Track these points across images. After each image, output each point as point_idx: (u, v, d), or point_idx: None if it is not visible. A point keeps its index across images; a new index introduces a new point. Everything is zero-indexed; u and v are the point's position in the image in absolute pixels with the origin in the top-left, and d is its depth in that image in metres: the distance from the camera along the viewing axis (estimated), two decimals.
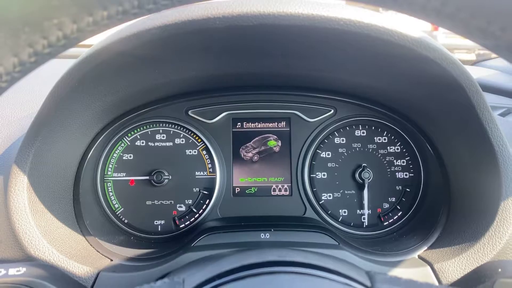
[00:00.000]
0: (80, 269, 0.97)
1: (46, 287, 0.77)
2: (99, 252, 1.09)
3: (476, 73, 1.76)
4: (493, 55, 2.09)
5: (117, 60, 0.89)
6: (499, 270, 0.78)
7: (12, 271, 0.77)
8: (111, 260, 1.07)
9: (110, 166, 1.30)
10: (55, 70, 0.94)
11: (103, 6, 0.42)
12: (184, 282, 0.58)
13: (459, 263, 0.99)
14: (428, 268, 1.02)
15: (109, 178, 1.30)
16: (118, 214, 1.29)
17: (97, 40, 0.88)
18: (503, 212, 0.97)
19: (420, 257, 1.09)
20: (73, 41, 0.46)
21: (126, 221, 1.29)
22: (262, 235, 1.12)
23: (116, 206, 1.29)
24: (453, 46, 2.09)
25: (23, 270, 0.78)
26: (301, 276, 0.55)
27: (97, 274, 0.98)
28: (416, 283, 0.57)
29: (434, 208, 1.25)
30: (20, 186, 0.97)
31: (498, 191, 0.98)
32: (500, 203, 0.98)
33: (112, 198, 1.29)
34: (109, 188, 1.29)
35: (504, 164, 0.97)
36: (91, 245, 1.10)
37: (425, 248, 1.11)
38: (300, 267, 0.57)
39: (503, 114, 1.35)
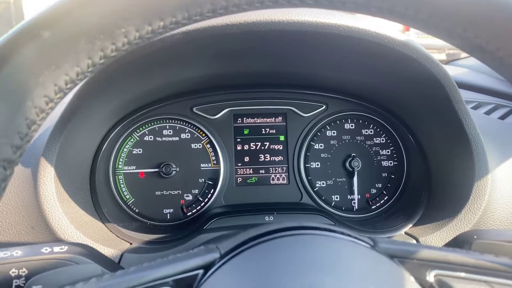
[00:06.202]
0: (105, 251, 1.07)
1: (87, 262, 0.86)
2: (118, 237, 1.19)
3: (450, 71, 1.93)
4: (463, 55, 2.26)
5: (142, 59, 0.99)
6: (475, 237, 0.92)
7: (57, 248, 0.86)
8: (131, 244, 1.18)
9: (121, 160, 1.39)
10: None
11: (160, 18, 0.54)
12: (219, 248, 0.69)
13: (441, 235, 1.14)
14: (414, 241, 1.16)
15: (120, 171, 1.39)
16: (130, 204, 1.38)
17: None
18: (476, 191, 1.12)
19: (406, 233, 1.23)
20: (133, 45, 0.58)
21: (137, 210, 1.38)
22: (266, 218, 1.25)
23: (128, 197, 1.38)
24: (424, 46, 2.22)
25: (65, 248, 0.87)
26: (322, 236, 0.68)
27: (121, 255, 1.09)
28: (412, 243, 0.70)
29: (416, 191, 1.39)
30: (49, 177, 1.06)
31: (472, 174, 1.13)
32: (474, 183, 1.13)
33: (124, 189, 1.38)
34: (121, 180, 1.39)
35: (476, 150, 1.12)
36: (110, 231, 1.20)
37: (410, 225, 1.26)
38: (320, 230, 0.70)
39: (474, 108, 1.51)
